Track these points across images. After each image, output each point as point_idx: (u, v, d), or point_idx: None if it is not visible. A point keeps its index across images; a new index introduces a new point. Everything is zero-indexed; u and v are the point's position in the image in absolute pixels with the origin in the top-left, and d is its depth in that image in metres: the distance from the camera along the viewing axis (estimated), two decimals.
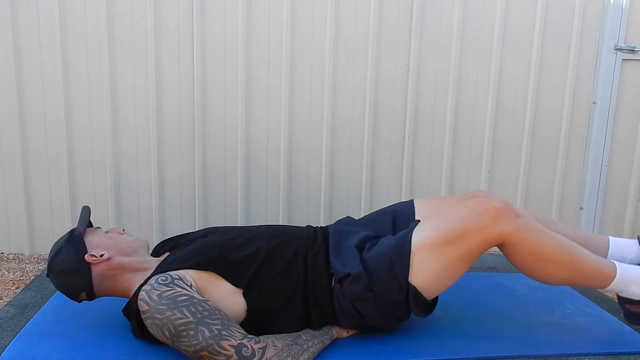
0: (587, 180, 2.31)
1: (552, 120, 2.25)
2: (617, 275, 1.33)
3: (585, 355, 1.37)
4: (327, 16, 2.08)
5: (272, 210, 2.19)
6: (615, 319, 1.58)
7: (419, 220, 1.34)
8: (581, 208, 2.34)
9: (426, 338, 1.42)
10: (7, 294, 1.74)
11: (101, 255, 1.34)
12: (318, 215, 2.19)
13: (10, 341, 1.35)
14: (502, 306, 1.64)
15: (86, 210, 1.43)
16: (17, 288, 1.79)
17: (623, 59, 2.23)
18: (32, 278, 1.87)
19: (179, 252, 1.35)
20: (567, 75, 2.23)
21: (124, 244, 1.39)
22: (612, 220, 2.37)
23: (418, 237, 1.29)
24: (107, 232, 1.44)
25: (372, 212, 1.60)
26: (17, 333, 1.40)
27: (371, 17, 2.10)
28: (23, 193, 2.05)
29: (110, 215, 2.10)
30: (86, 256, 1.33)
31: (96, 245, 1.37)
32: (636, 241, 1.52)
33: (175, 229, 2.12)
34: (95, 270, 1.33)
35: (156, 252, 1.50)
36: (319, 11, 2.08)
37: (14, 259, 2.07)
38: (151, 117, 2.06)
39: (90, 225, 1.45)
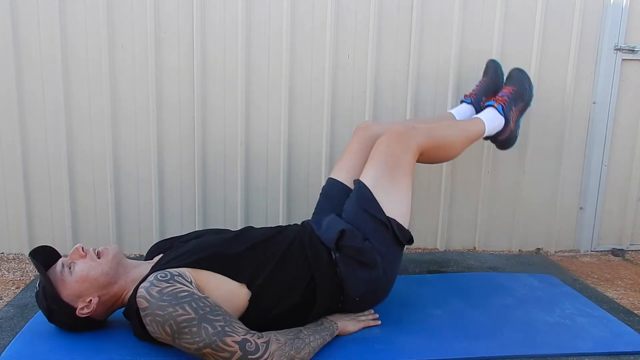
0: (587, 180, 2.31)
1: (552, 121, 2.25)
2: (484, 123, 1.82)
3: (585, 355, 1.37)
4: (327, 16, 2.08)
5: (272, 210, 2.19)
6: (615, 319, 1.58)
7: (358, 179, 1.52)
8: (581, 208, 2.34)
9: (426, 338, 1.42)
10: (7, 294, 1.74)
11: (89, 301, 1.29)
12: None
13: (10, 341, 1.35)
14: (502, 306, 1.64)
15: (37, 262, 1.29)
16: (17, 288, 1.79)
17: (623, 59, 2.23)
18: (32, 278, 1.87)
19: (174, 252, 1.34)
20: (567, 75, 2.23)
21: (99, 276, 1.30)
22: (612, 220, 2.37)
23: (368, 180, 1.48)
24: (66, 256, 1.34)
25: (315, 207, 1.69)
26: (17, 333, 1.40)
27: (371, 17, 2.10)
28: (23, 193, 2.05)
29: (110, 215, 2.10)
30: (77, 312, 1.29)
31: (76, 296, 1.29)
32: (464, 104, 1.98)
33: (175, 229, 2.12)
34: (94, 312, 1.32)
35: (150, 254, 1.49)
36: (319, 11, 2.08)
37: (14, 259, 2.07)
38: (151, 117, 2.06)
39: (48, 265, 1.33)
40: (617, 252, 2.35)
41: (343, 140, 2.17)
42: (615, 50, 2.21)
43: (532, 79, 2.20)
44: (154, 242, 1.57)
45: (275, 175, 2.16)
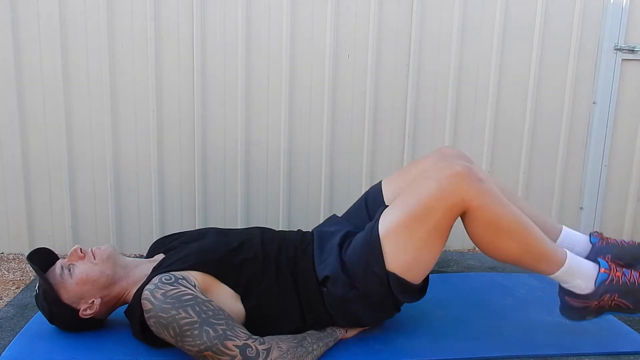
0: (587, 180, 2.31)
1: (552, 120, 2.25)
2: (565, 264, 1.29)
3: (585, 355, 1.37)
4: (327, 16, 2.08)
5: (272, 210, 2.19)
6: (615, 319, 1.58)
7: (386, 206, 1.33)
8: (581, 208, 2.34)
9: (426, 338, 1.42)
10: (7, 294, 1.74)
11: (92, 302, 1.30)
12: (318, 215, 2.19)
13: (10, 341, 1.35)
14: (502, 306, 1.64)
15: (35, 266, 1.29)
16: (17, 288, 1.79)
17: (623, 59, 2.23)
18: (32, 278, 1.87)
19: (177, 253, 1.34)
20: (567, 75, 2.23)
21: (99, 277, 1.29)
22: (612, 220, 2.37)
23: (384, 223, 1.27)
24: (64, 257, 1.33)
25: (351, 207, 1.58)
26: (17, 333, 1.40)
27: (371, 17, 2.10)
28: (23, 193, 2.05)
29: (110, 215, 2.10)
30: (81, 314, 1.30)
31: (78, 298, 1.29)
32: (587, 237, 1.48)
33: (175, 229, 2.12)
34: (97, 312, 1.32)
35: (151, 252, 1.49)
36: (319, 11, 2.08)
37: (14, 259, 2.07)
38: (151, 117, 2.06)
39: (47, 267, 1.34)
40: None
41: (342, 139, 2.17)
42: (615, 50, 2.21)
43: (532, 79, 2.21)
44: (152, 243, 1.56)
45: (276, 174, 2.16)
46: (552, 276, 1.32)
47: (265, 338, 1.19)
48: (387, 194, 1.48)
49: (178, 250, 1.37)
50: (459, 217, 1.26)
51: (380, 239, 1.26)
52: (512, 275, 1.93)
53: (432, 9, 2.13)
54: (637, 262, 1.37)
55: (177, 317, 1.13)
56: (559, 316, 1.57)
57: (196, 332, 1.13)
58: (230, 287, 1.29)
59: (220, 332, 1.13)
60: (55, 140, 2.04)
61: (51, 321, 1.34)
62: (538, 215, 1.46)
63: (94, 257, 1.32)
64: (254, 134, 2.13)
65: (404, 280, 1.27)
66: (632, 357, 1.37)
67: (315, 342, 1.28)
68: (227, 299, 1.28)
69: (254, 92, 2.10)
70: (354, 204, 1.58)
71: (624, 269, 1.32)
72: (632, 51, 2.23)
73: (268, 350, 1.15)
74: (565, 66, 2.22)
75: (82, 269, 1.29)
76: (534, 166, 2.28)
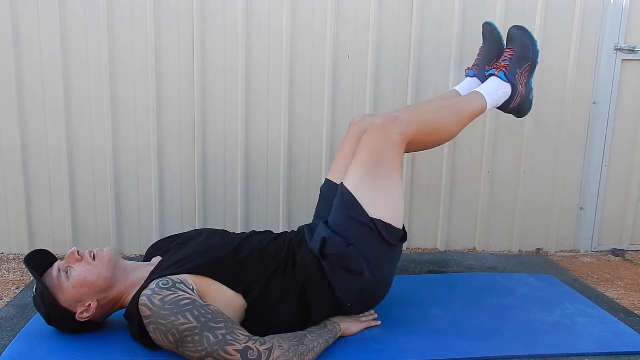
0: (587, 180, 2.31)
1: (552, 120, 2.25)
2: (485, 95, 1.66)
3: (585, 355, 1.37)
4: (327, 16, 2.08)
5: (272, 210, 2.19)
6: (615, 319, 1.58)
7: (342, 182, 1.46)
8: (581, 208, 2.34)
9: (426, 338, 1.42)
10: (7, 294, 1.74)
11: (88, 305, 1.29)
12: None
13: (10, 341, 1.35)
14: (502, 306, 1.64)
15: (32, 269, 1.29)
16: (17, 288, 1.79)
17: (623, 59, 2.23)
18: (32, 278, 1.87)
19: (174, 255, 1.33)
20: (567, 75, 2.23)
21: (96, 280, 1.29)
22: (612, 220, 2.37)
23: (350, 182, 1.40)
24: (62, 259, 1.34)
25: (315, 211, 1.68)
26: (17, 333, 1.40)
27: (371, 17, 2.10)
28: (23, 193, 2.05)
29: (110, 215, 2.10)
30: (77, 316, 1.29)
31: (75, 301, 1.29)
32: (469, 78, 1.85)
33: (175, 229, 2.12)
34: (94, 315, 1.32)
35: (148, 255, 1.49)
36: (319, 11, 2.08)
37: (14, 259, 2.07)
38: (151, 117, 2.06)
39: (44, 269, 1.33)
40: (617, 252, 2.35)
41: (342, 139, 2.16)
42: (615, 50, 2.21)
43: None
44: (150, 245, 1.56)
45: (276, 174, 2.16)
46: (489, 107, 1.68)
47: (265, 338, 1.19)
48: (337, 179, 1.60)
49: (174, 253, 1.37)
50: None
51: (353, 194, 1.38)
52: (512, 275, 1.93)
53: (432, 9, 2.13)
54: (500, 51, 1.82)
55: (176, 322, 1.13)
56: (559, 316, 1.58)
57: (197, 337, 1.12)
58: (229, 287, 1.28)
59: (220, 337, 1.13)
60: (55, 140, 2.04)
61: (49, 323, 1.34)
62: (443, 96, 1.86)
63: (94, 259, 1.31)
64: (254, 134, 2.13)
65: (389, 224, 1.38)
66: (632, 357, 1.37)
67: (315, 339, 1.28)
68: (227, 299, 1.28)
69: (254, 93, 2.10)
70: (317, 205, 1.67)
71: (499, 59, 1.77)
72: (632, 51, 2.23)
73: (269, 350, 1.15)
74: (565, 66, 2.22)
75: (79, 271, 1.29)
76: (534, 166, 2.28)
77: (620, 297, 1.84)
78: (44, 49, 1.98)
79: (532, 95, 1.80)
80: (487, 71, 1.76)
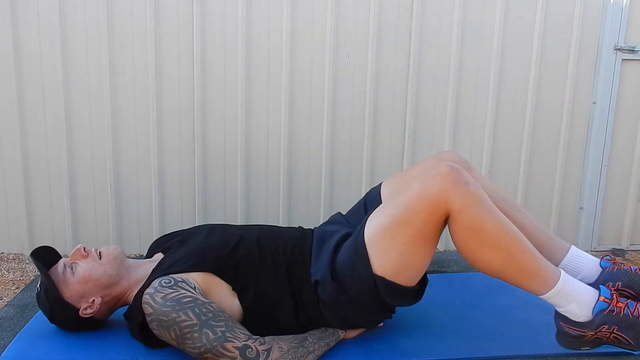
0: (587, 180, 2.31)
1: (552, 120, 2.25)
2: (557, 285, 1.18)
3: (585, 355, 1.37)
4: (327, 16, 2.08)
5: (272, 210, 2.19)
6: None
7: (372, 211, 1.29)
8: (581, 208, 2.34)
9: (426, 338, 1.42)
10: (7, 294, 1.74)
11: (92, 302, 1.30)
12: (318, 214, 2.19)
13: (10, 341, 1.35)
14: (502, 306, 1.64)
15: (38, 262, 1.29)
16: (17, 288, 1.79)
17: (623, 59, 2.23)
18: (32, 278, 1.87)
19: (175, 254, 1.34)
20: (567, 75, 2.23)
21: (101, 276, 1.30)
22: (612, 220, 2.37)
23: (369, 228, 1.23)
24: (67, 256, 1.35)
25: (354, 206, 1.57)
26: (17, 333, 1.40)
27: (371, 17, 2.10)
28: (23, 193, 2.05)
29: (110, 215, 2.10)
30: (81, 313, 1.30)
31: (80, 297, 1.30)
32: (597, 260, 1.36)
33: (175, 229, 2.11)
34: (97, 312, 1.32)
35: (150, 252, 1.49)
36: (319, 11, 2.08)
37: (14, 259, 2.07)
38: (151, 117, 2.06)
39: (49, 265, 1.34)
40: (617, 252, 2.35)
41: (342, 139, 2.17)
42: (615, 50, 2.21)
43: (532, 79, 2.21)
44: (152, 242, 1.57)
45: (276, 174, 2.16)
46: (543, 297, 1.21)
47: (266, 338, 1.19)
48: (384, 195, 1.47)
49: (176, 250, 1.37)
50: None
51: (366, 244, 1.22)
52: None
53: (432, 9, 2.13)
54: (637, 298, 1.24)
55: (177, 319, 1.14)
56: None
57: (196, 334, 1.13)
58: (228, 283, 1.29)
59: (220, 334, 1.14)
60: (55, 141, 2.04)
61: (51, 320, 1.34)
62: (542, 231, 1.37)
63: (100, 257, 1.33)
64: (254, 133, 2.13)
65: (394, 283, 1.22)
66: (632, 357, 1.37)
67: (316, 342, 1.28)
68: (227, 296, 1.28)
69: (254, 93, 2.10)
70: (357, 203, 1.57)
71: (628, 300, 1.19)
72: (632, 51, 2.23)
73: (269, 351, 1.15)
74: (565, 66, 2.22)
75: (85, 267, 1.30)
76: (533, 166, 2.28)
77: None
78: (44, 52, 1.97)
79: (584, 350, 1.27)
80: (607, 286, 1.23)
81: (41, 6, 1.95)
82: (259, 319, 1.31)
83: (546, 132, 2.26)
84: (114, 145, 2.06)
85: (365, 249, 1.22)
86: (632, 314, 1.16)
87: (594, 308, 1.17)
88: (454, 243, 1.21)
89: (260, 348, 1.15)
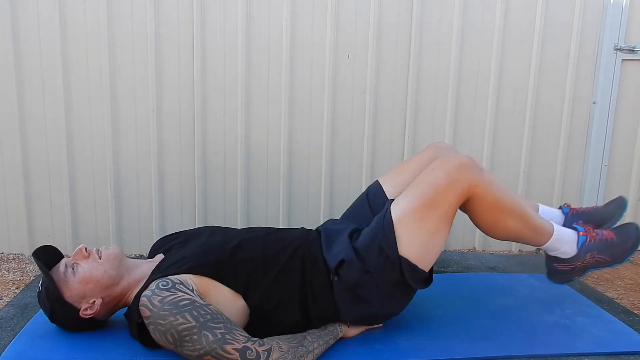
0: (587, 180, 2.31)
1: (552, 120, 2.25)
2: (554, 233, 1.48)
3: (585, 355, 1.37)
4: (327, 16, 2.08)
5: (272, 210, 2.19)
6: (615, 319, 1.58)
7: (392, 199, 1.38)
8: None
9: (426, 338, 1.42)
10: (7, 294, 1.74)
11: (93, 302, 1.30)
12: (318, 214, 2.19)
13: (10, 341, 1.35)
14: (502, 306, 1.64)
15: (40, 262, 1.30)
16: (17, 288, 1.79)
17: (623, 59, 2.23)
18: (32, 278, 1.87)
19: (175, 255, 1.33)
20: (567, 75, 2.23)
21: (102, 277, 1.30)
22: None
23: (397, 210, 1.32)
24: (68, 256, 1.35)
25: (350, 207, 1.62)
26: (17, 333, 1.40)
27: (371, 17, 2.10)
28: (23, 193, 2.05)
29: (110, 215, 2.10)
30: (81, 313, 1.30)
31: (80, 297, 1.29)
32: (559, 210, 1.70)
33: (176, 229, 2.11)
34: (97, 313, 1.32)
35: (152, 252, 1.49)
36: (319, 11, 2.08)
37: (14, 259, 2.07)
38: (151, 117, 2.06)
39: (51, 264, 1.34)
40: None
41: (342, 138, 2.17)
42: (615, 50, 2.21)
43: (532, 79, 2.21)
44: (154, 242, 1.56)
45: (276, 174, 2.16)
46: (544, 246, 1.50)
47: (265, 339, 1.19)
48: (388, 190, 1.54)
49: (175, 252, 1.37)
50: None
51: (394, 225, 1.30)
52: (512, 275, 1.93)
53: (432, 9, 2.13)
54: (604, 222, 1.62)
55: (174, 323, 1.13)
56: (559, 316, 1.58)
57: (195, 337, 1.12)
58: (230, 287, 1.28)
59: (219, 336, 1.13)
60: (55, 140, 2.04)
61: (52, 319, 1.34)
62: (521, 197, 1.72)
63: (100, 257, 1.32)
64: (254, 133, 2.13)
65: (415, 266, 1.31)
66: (632, 357, 1.37)
67: (315, 341, 1.28)
68: (227, 299, 1.28)
69: (254, 92, 2.10)
70: (353, 203, 1.61)
71: (595, 230, 1.54)
72: (632, 51, 2.23)
73: (268, 352, 1.15)
74: (565, 66, 2.22)
75: (86, 268, 1.30)
76: (533, 166, 2.28)
77: (620, 297, 1.84)
78: (45, 53, 1.97)
79: (576, 279, 1.58)
80: (577, 225, 1.56)
81: (41, 6, 1.95)
82: (266, 318, 1.30)
83: (546, 132, 2.26)
84: (114, 145, 2.06)
85: (394, 230, 1.30)
86: (603, 238, 1.51)
87: (577, 243, 1.50)
88: (473, 220, 1.42)
89: (260, 349, 1.14)
